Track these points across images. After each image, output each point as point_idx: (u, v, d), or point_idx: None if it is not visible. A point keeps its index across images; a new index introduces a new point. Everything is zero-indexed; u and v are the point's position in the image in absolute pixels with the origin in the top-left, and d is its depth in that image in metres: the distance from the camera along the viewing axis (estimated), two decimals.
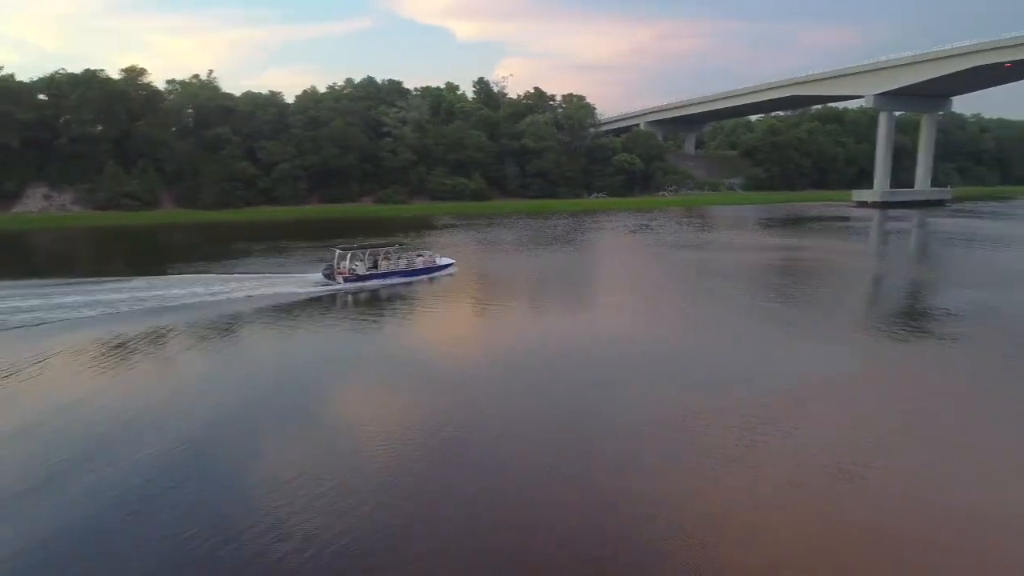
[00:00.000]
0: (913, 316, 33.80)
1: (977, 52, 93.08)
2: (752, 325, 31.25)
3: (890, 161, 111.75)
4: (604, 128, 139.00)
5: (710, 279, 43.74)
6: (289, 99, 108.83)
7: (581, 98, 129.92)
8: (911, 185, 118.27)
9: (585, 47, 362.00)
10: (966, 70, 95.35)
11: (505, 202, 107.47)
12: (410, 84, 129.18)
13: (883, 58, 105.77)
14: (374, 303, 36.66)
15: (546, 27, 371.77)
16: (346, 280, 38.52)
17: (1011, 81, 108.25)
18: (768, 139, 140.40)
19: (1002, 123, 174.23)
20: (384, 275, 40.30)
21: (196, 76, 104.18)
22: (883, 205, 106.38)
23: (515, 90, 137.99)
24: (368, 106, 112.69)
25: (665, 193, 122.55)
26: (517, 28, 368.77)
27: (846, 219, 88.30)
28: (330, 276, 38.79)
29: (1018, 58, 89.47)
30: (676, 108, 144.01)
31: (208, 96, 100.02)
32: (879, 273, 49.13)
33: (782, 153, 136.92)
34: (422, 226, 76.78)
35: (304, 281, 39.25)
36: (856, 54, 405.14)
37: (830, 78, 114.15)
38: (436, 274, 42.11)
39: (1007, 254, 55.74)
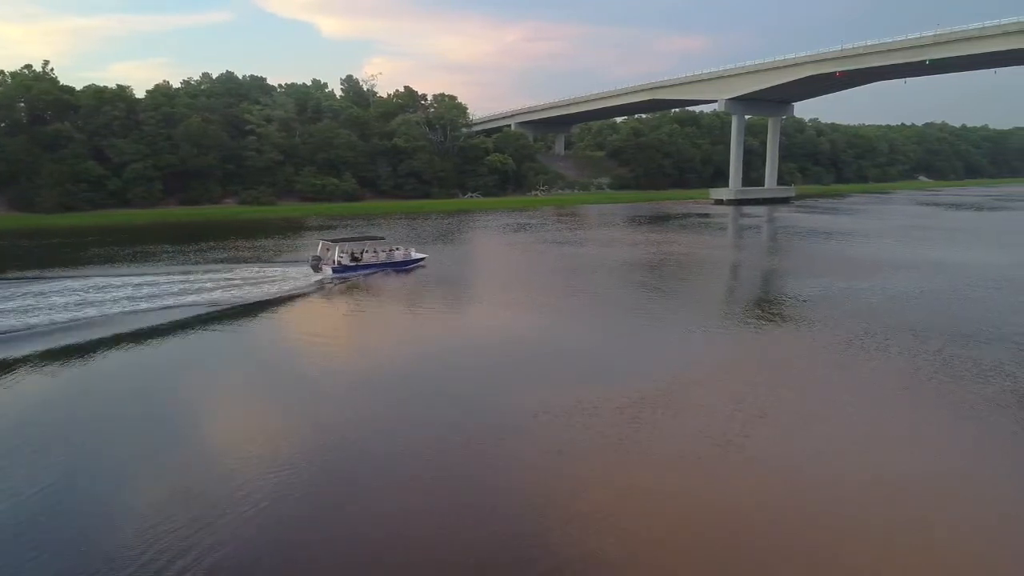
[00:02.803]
0: (774, 303, 36.43)
1: (812, 62, 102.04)
2: (638, 317, 32.83)
3: (742, 161, 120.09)
4: (476, 128, 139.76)
5: (596, 274, 45.29)
6: (140, 94, 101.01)
7: (453, 98, 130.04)
8: (761, 184, 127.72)
9: (454, 47, 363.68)
10: (803, 78, 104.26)
11: (379, 202, 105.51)
12: (274, 81, 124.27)
13: (731, 66, 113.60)
14: (354, 294, 38.43)
15: (415, 26, 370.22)
16: (334, 271, 41.27)
17: (843, 89, 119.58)
18: (632, 140, 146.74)
19: (835, 127, 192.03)
20: (367, 267, 43.36)
21: (28, 67, 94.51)
22: (737, 202, 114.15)
23: (385, 89, 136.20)
24: (229, 103, 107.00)
25: (537, 193, 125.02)
26: (385, 26, 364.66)
27: (706, 216, 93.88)
28: (316, 268, 41.39)
29: (847, 68, 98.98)
30: (545, 109, 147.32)
31: (44, 89, 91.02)
32: (743, 265, 52.60)
33: (645, 154, 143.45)
34: (295, 228, 73.85)
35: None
36: (707, 60, 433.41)
37: (686, 83, 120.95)
38: (411, 267, 45.14)
39: (846, 244, 61.36)
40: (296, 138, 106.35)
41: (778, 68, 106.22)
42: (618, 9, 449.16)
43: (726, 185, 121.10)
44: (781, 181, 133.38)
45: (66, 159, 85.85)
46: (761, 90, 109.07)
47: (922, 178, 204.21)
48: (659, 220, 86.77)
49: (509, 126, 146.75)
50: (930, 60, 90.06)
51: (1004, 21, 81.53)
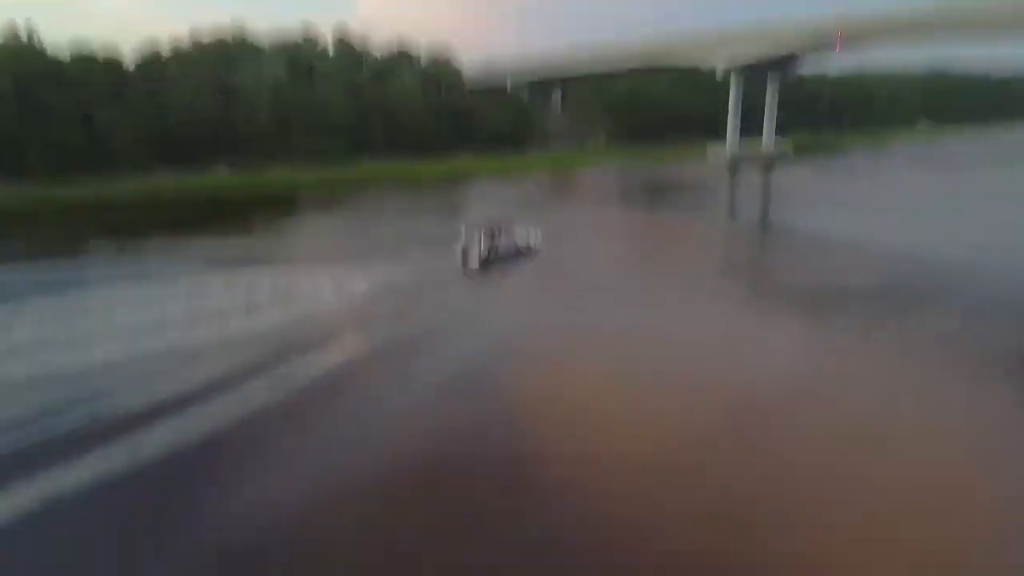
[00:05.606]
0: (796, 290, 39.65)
1: (812, 34, 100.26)
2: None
3: (739, 120, 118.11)
4: (471, 88, 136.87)
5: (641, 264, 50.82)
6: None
7: (448, 60, 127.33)
8: (760, 141, 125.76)
9: None
10: (804, 45, 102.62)
11: (374, 164, 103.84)
12: (261, 25, 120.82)
13: (732, 30, 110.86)
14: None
15: None
16: (480, 260, 45.89)
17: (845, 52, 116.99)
18: (630, 96, 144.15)
19: (835, 79, 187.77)
20: (506, 253, 47.63)
21: (15, 35, 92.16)
22: (737, 162, 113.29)
23: (377, 35, 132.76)
24: (218, 68, 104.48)
25: (534, 152, 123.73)
26: None
27: (706, 178, 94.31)
28: (466, 256, 45.42)
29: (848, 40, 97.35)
30: (542, 69, 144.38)
31: (31, 59, 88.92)
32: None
33: (643, 111, 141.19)
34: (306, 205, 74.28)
35: None
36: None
37: (685, 46, 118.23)
38: (536, 251, 50.81)
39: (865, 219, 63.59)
40: (288, 101, 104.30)
41: (779, 36, 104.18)
42: None
43: (725, 142, 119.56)
44: (780, 137, 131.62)
45: (53, 128, 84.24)
46: (761, 55, 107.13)
47: (923, 124, 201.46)
48: (662, 188, 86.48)
49: (505, 85, 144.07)
50: (936, 34, 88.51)
51: None
